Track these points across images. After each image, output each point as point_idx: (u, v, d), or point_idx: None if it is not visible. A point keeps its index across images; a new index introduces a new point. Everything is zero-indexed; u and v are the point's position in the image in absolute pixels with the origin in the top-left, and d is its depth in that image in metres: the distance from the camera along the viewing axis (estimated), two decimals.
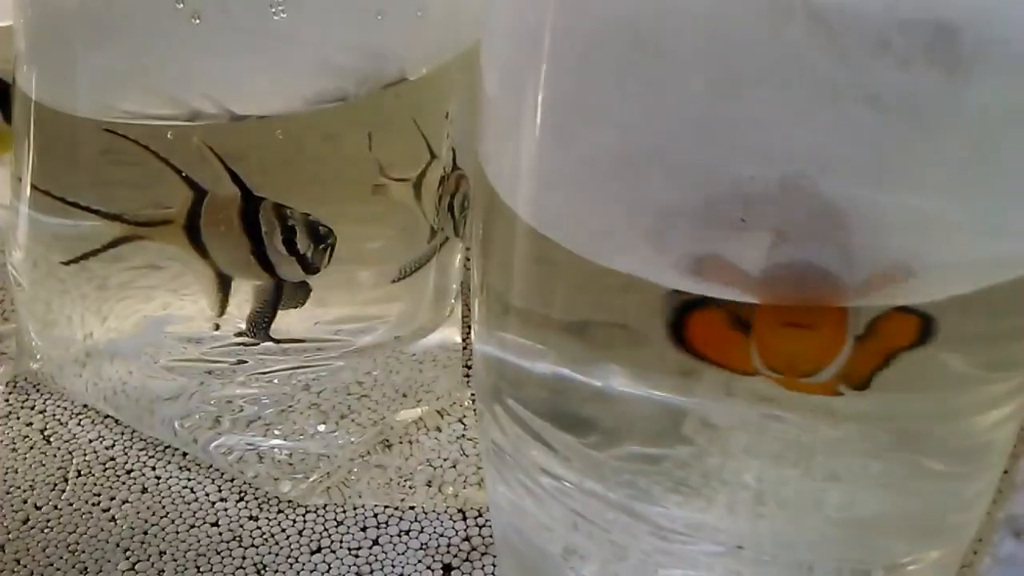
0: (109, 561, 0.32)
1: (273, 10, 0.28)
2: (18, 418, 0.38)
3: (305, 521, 0.34)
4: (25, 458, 0.36)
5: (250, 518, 0.34)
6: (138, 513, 0.34)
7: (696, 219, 0.21)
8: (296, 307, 0.32)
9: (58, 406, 0.38)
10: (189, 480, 0.35)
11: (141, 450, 0.36)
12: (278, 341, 0.33)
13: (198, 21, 0.28)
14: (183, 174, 0.29)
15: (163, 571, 0.32)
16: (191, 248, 0.30)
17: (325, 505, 0.34)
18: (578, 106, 0.22)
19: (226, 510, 0.34)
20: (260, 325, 0.32)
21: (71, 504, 0.34)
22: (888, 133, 0.19)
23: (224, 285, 0.31)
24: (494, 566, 0.32)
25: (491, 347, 0.26)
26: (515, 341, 0.26)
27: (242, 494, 0.35)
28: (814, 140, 0.19)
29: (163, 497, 0.35)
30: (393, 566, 0.32)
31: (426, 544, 0.33)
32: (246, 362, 0.34)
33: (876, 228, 0.20)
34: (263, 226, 0.29)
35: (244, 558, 0.32)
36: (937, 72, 0.18)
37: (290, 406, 0.35)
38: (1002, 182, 0.20)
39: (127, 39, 0.29)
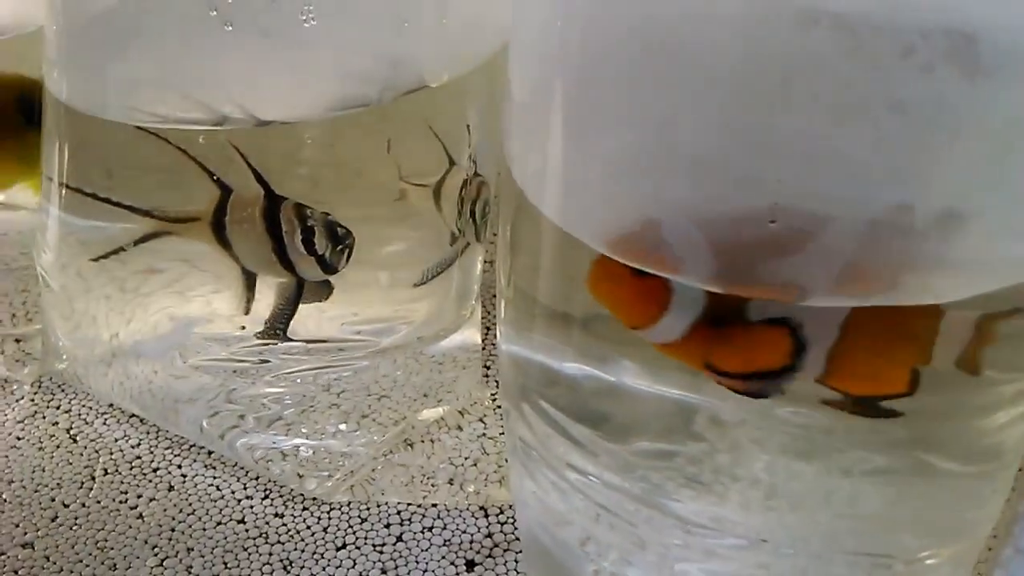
0: (138, 558, 0.33)
1: (303, 18, 0.29)
2: (44, 417, 0.39)
3: (330, 518, 0.34)
4: (52, 457, 0.37)
5: (276, 515, 0.34)
6: (165, 511, 0.35)
7: (723, 220, 0.21)
8: (319, 301, 0.32)
9: (84, 405, 0.39)
10: (215, 478, 0.36)
11: (167, 448, 0.37)
12: (304, 341, 0.34)
13: (230, 28, 0.29)
14: (213, 174, 0.30)
15: (191, 567, 0.33)
16: (217, 244, 0.31)
17: (349, 502, 0.35)
18: (604, 109, 0.23)
19: (252, 507, 0.35)
20: (280, 322, 0.33)
21: (99, 502, 0.35)
22: (912, 137, 0.19)
23: (250, 282, 0.32)
24: (516, 562, 0.32)
25: (518, 346, 0.27)
26: (542, 340, 0.26)
27: (267, 492, 0.35)
28: (837, 143, 0.20)
29: (189, 495, 0.35)
30: (417, 562, 0.33)
31: (449, 540, 0.33)
32: (270, 362, 0.34)
33: (900, 228, 0.20)
34: (284, 225, 0.30)
35: (271, 554, 0.33)
36: (959, 77, 0.19)
37: (312, 406, 0.36)
38: (1021, 184, 0.20)
39: (159, 45, 0.30)
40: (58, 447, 0.37)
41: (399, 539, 0.33)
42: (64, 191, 0.35)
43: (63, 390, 0.40)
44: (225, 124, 0.30)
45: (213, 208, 0.30)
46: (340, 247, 0.30)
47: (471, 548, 0.33)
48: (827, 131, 0.20)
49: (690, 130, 0.21)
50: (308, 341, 0.34)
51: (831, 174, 0.20)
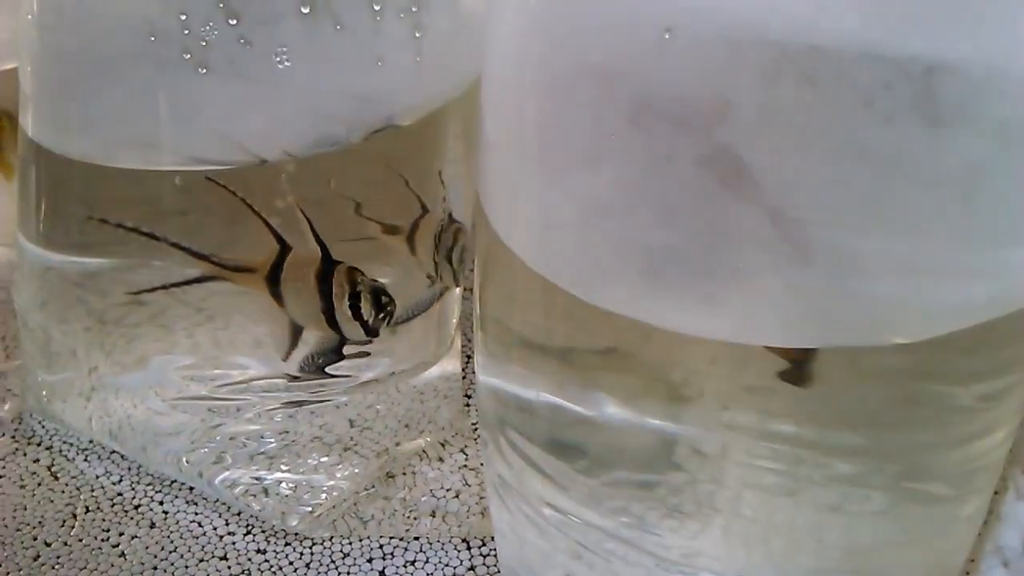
0: None
1: (278, 59, 0.29)
2: (25, 455, 0.38)
3: (312, 553, 0.34)
4: (33, 495, 0.37)
5: (258, 551, 0.34)
6: (147, 548, 0.35)
7: (690, 263, 0.22)
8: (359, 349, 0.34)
9: (64, 442, 0.39)
10: (197, 514, 0.36)
11: (148, 485, 0.37)
12: (286, 377, 0.34)
13: (204, 71, 0.29)
14: (272, 228, 0.31)
15: None
16: (269, 296, 0.32)
17: (331, 537, 0.35)
18: (572, 150, 0.23)
19: (234, 544, 0.35)
20: (315, 367, 0.34)
21: (80, 540, 0.35)
22: (875, 184, 0.20)
23: (296, 334, 0.33)
24: None
25: (493, 379, 0.27)
26: (516, 373, 0.26)
27: (249, 527, 0.35)
28: (804, 191, 0.20)
29: (171, 532, 0.35)
30: None
31: (432, 574, 0.33)
32: (250, 399, 0.35)
33: (866, 273, 0.21)
34: (335, 288, 0.31)
35: None
36: (920, 126, 0.19)
37: (294, 440, 0.36)
38: (985, 227, 0.21)
39: (133, 88, 0.30)
40: (39, 485, 0.37)
41: (382, 573, 0.33)
42: (40, 227, 0.35)
43: (44, 427, 0.40)
44: (203, 165, 0.30)
45: (271, 263, 0.31)
46: (382, 314, 0.32)
47: None
48: (787, 173, 0.20)
49: (656, 176, 0.21)
50: (290, 377, 0.34)
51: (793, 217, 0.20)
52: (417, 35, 0.31)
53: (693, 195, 0.21)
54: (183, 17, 0.28)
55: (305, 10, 0.29)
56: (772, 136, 0.20)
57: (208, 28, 0.28)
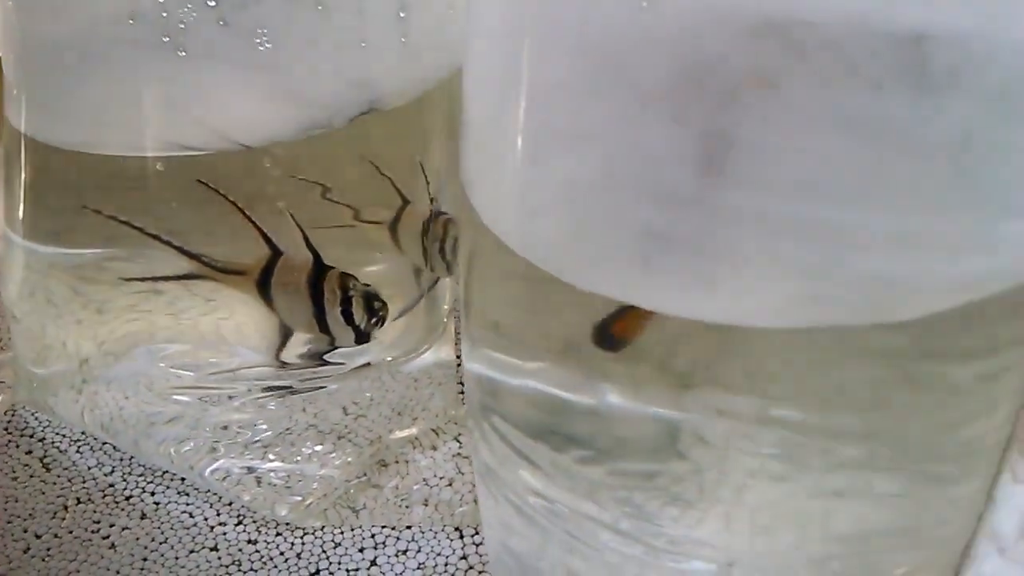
0: None
1: (258, 41, 0.28)
2: (17, 446, 0.38)
3: (303, 543, 0.34)
4: (25, 486, 0.37)
5: (249, 542, 0.34)
6: (138, 539, 0.34)
7: (680, 243, 0.21)
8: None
9: (57, 434, 0.39)
10: (188, 505, 0.35)
11: (140, 476, 0.37)
12: (274, 366, 0.33)
13: (184, 54, 0.28)
14: (264, 233, 0.31)
15: None
16: (259, 299, 0.32)
17: (323, 527, 0.34)
18: (556, 132, 0.22)
19: (225, 534, 0.34)
20: (312, 359, 0.34)
21: (71, 532, 0.35)
22: (861, 155, 0.19)
23: (285, 336, 0.33)
24: None
25: (478, 366, 0.27)
26: (501, 360, 0.26)
27: (241, 518, 0.35)
28: (791, 163, 0.19)
29: (162, 523, 0.35)
30: None
31: (423, 563, 0.33)
32: (240, 387, 0.34)
33: (857, 249, 0.20)
34: (326, 294, 0.31)
35: None
36: (910, 94, 0.18)
37: (288, 428, 0.35)
38: (979, 199, 0.20)
39: (113, 73, 0.29)
40: (31, 476, 0.37)
41: (373, 563, 0.33)
42: (26, 218, 0.34)
43: (36, 418, 0.39)
44: (185, 151, 0.30)
45: (261, 267, 0.31)
46: (374, 319, 0.31)
47: (446, 571, 0.33)
48: (776, 147, 0.19)
49: (640, 152, 0.21)
50: (279, 366, 0.34)
51: (783, 192, 0.20)
52: (402, 15, 0.30)
53: (679, 173, 0.20)
54: (161, 0, 0.28)
55: None
56: (758, 108, 0.19)
57: (186, 10, 0.28)
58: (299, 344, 0.33)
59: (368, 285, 0.31)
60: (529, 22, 0.22)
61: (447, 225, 0.34)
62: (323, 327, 0.31)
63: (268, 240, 0.31)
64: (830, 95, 0.18)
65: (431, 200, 0.34)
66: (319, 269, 0.31)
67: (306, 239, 0.30)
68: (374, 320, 0.31)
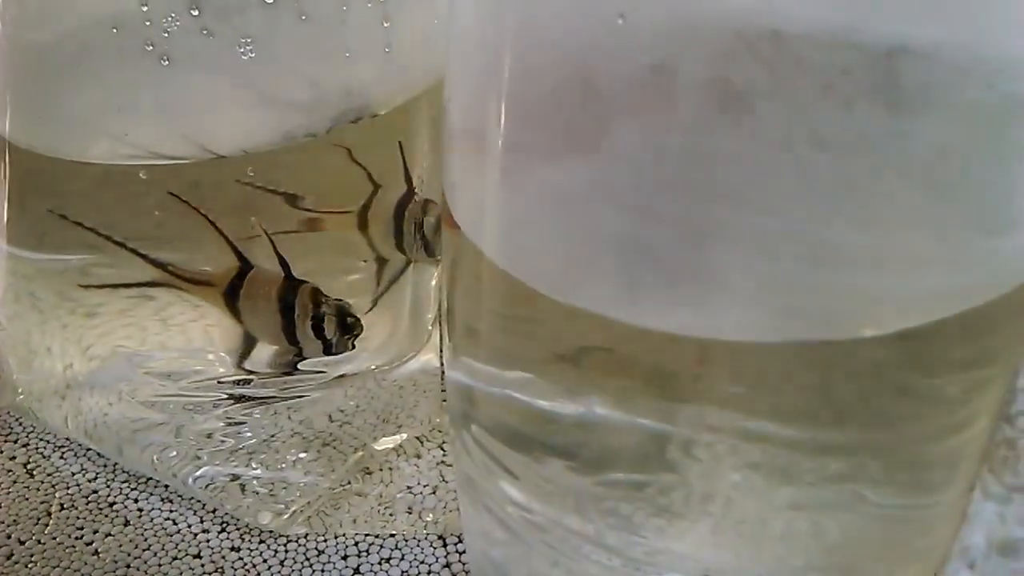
0: None
1: (241, 50, 0.28)
2: (1, 452, 0.38)
3: (287, 551, 0.34)
4: (8, 492, 0.37)
5: (232, 549, 0.34)
6: (121, 546, 0.34)
7: (660, 258, 0.21)
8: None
9: (41, 439, 0.39)
10: (171, 512, 0.35)
11: (124, 482, 0.37)
12: (258, 373, 0.33)
13: (167, 62, 0.28)
14: (233, 246, 0.31)
15: None
16: (225, 310, 0.32)
17: (306, 534, 0.34)
18: (537, 145, 0.22)
19: (208, 541, 0.34)
20: (278, 369, 0.34)
21: (55, 538, 0.35)
22: (837, 172, 0.19)
23: (249, 346, 0.33)
24: None
25: (460, 375, 0.27)
26: (483, 370, 0.26)
27: (224, 525, 0.35)
28: (767, 179, 0.19)
29: (145, 529, 0.35)
30: None
31: (407, 572, 0.33)
32: (228, 395, 0.34)
33: (834, 265, 0.20)
34: (297, 309, 0.31)
35: None
36: (882, 111, 0.18)
37: (272, 436, 0.35)
38: (954, 215, 0.20)
39: (96, 81, 0.29)
40: (15, 483, 0.37)
41: (356, 571, 0.33)
42: (11, 224, 0.34)
43: (20, 424, 0.39)
44: (168, 159, 0.30)
45: (229, 279, 0.31)
46: (347, 335, 0.31)
47: None
48: (752, 167, 0.19)
49: (615, 168, 0.21)
50: (263, 374, 0.34)
51: (762, 209, 0.20)
52: (386, 25, 0.30)
53: (658, 188, 0.20)
54: (144, 8, 0.28)
55: (269, 0, 0.28)
56: (730, 123, 0.19)
57: (170, 19, 0.28)
58: (264, 354, 0.33)
59: (340, 300, 0.31)
60: (508, 34, 0.22)
61: (426, 205, 0.34)
62: (292, 340, 0.31)
63: (238, 253, 0.31)
64: (803, 111, 0.19)
65: (409, 182, 0.33)
66: (290, 283, 0.31)
67: (278, 254, 0.31)
68: (347, 336, 0.31)
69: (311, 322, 0.31)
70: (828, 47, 0.18)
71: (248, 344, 0.32)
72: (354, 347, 0.32)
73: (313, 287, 0.31)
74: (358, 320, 0.31)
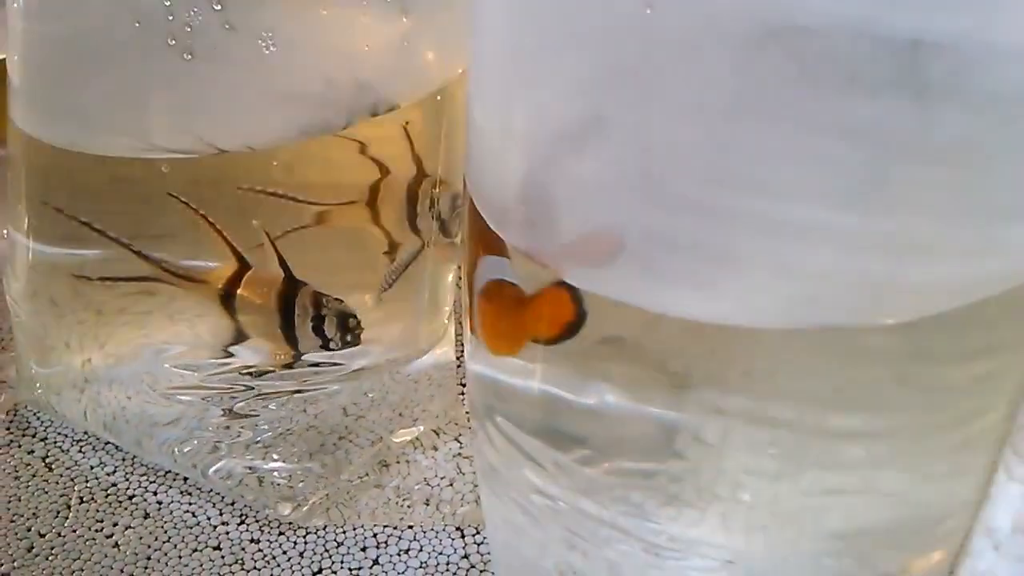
0: None
1: (263, 44, 0.29)
2: (19, 446, 0.38)
3: (306, 543, 0.34)
4: (28, 486, 0.37)
5: (252, 541, 0.34)
6: (141, 539, 0.34)
7: (681, 244, 0.21)
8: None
9: (59, 433, 0.39)
10: (191, 504, 0.36)
11: (143, 475, 0.37)
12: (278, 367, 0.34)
13: (189, 57, 0.28)
14: (233, 247, 0.31)
15: None
16: (221, 309, 0.32)
17: (325, 526, 0.35)
18: (559, 135, 0.23)
19: (228, 533, 0.35)
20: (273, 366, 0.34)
21: (74, 531, 0.35)
22: (861, 161, 0.19)
23: (239, 340, 0.33)
24: None
25: (482, 366, 0.27)
26: (506, 361, 0.26)
27: (243, 517, 0.35)
28: (791, 167, 0.20)
29: (165, 522, 0.35)
30: None
31: (425, 563, 0.33)
32: (246, 388, 0.34)
33: (855, 252, 0.20)
34: (297, 310, 0.31)
35: None
36: (906, 101, 0.19)
37: (289, 429, 0.36)
38: (975, 204, 0.20)
39: (120, 75, 0.29)
40: (34, 476, 0.37)
41: (375, 562, 0.33)
42: (30, 219, 0.34)
43: (39, 418, 0.40)
44: (190, 153, 0.30)
45: (227, 278, 0.31)
46: (349, 336, 0.32)
47: (447, 570, 0.33)
48: (776, 152, 0.20)
49: (644, 158, 0.21)
50: (281, 366, 0.34)
51: (783, 196, 0.20)
52: (405, 20, 0.31)
53: (679, 176, 0.21)
54: (167, 3, 0.28)
55: None
56: (756, 114, 0.19)
57: (192, 13, 0.28)
58: (256, 349, 0.33)
59: (341, 301, 0.31)
60: (532, 25, 0.22)
61: (438, 184, 0.34)
62: (290, 340, 0.32)
63: (237, 254, 0.31)
64: (829, 101, 0.19)
65: (418, 164, 0.33)
66: (290, 284, 0.31)
67: (279, 255, 0.31)
68: (349, 338, 0.32)
69: (311, 324, 0.31)
70: (852, 38, 0.18)
71: (239, 339, 0.33)
72: (359, 343, 0.32)
73: (315, 290, 0.31)
74: (359, 322, 0.32)
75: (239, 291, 0.31)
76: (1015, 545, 0.22)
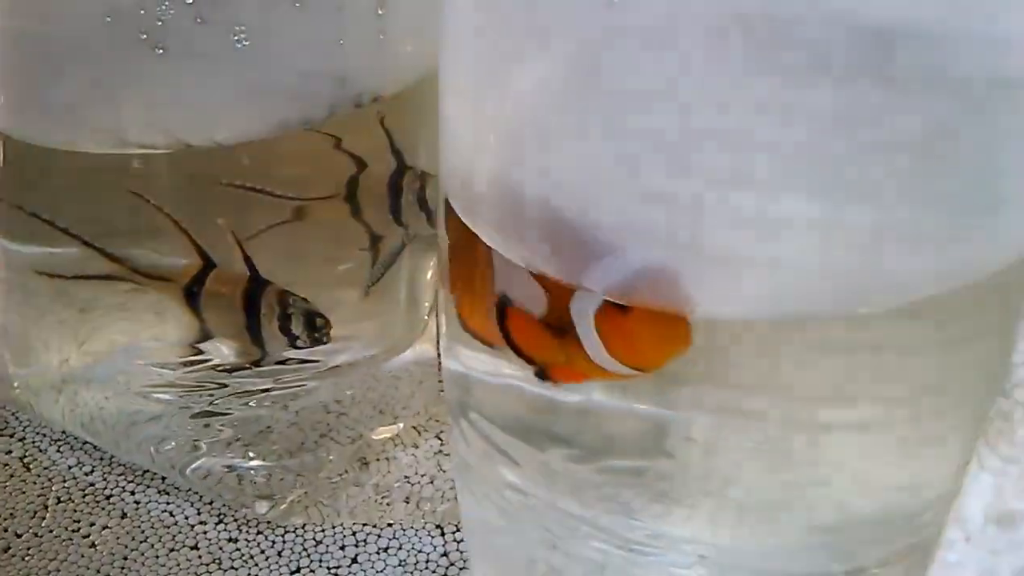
0: None
1: (235, 39, 0.28)
2: None
3: (284, 542, 0.34)
4: (5, 486, 0.36)
5: (229, 540, 0.34)
6: (118, 539, 0.34)
7: (658, 238, 0.21)
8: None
9: (37, 433, 0.39)
10: (168, 504, 0.35)
11: (120, 475, 0.37)
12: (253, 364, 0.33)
13: (161, 51, 0.28)
14: (197, 244, 0.30)
15: None
16: (187, 308, 0.31)
17: (304, 525, 0.34)
18: (533, 129, 0.22)
19: (205, 533, 0.34)
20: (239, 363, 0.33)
21: (51, 531, 0.35)
22: (830, 150, 0.19)
23: (204, 338, 0.32)
24: None
25: (456, 363, 0.27)
26: (480, 358, 0.26)
27: (221, 516, 0.35)
28: (760, 159, 0.19)
29: (143, 522, 0.35)
30: None
31: (405, 561, 0.33)
32: (223, 385, 0.34)
33: (827, 242, 0.20)
34: (263, 308, 0.31)
35: None
36: (875, 88, 0.19)
37: (269, 427, 0.35)
38: (947, 193, 0.20)
39: (90, 70, 0.29)
40: (11, 476, 0.37)
41: (354, 561, 0.33)
42: (4, 217, 0.34)
43: (17, 418, 0.39)
44: (163, 148, 0.30)
45: (191, 276, 0.31)
46: (316, 335, 0.31)
47: (427, 568, 0.33)
48: (747, 145, 0.19)
49: (613, 149, 0.21)
50: (261, 364, 0.34)
51: (755, 187, 0.20)
52: (380, 12, 0.30)
53: (657, 167, 0.20)
54: None
55: None
56: (725, 104, 0.19)
57: (164, 7, 0.28)
58: (222, 349, 0.33)
59: (307, 301, 0.31)
60: (501, 20, 0.22)
61: (422, 177, 0.33)
62: (256, 339, 0.31)
63: (202, 251, 0.31)
64: (799, 90, 0.19)
65: (398, 156, 0.33)
66: (256, 284, 0.31)
67: (244, 253, 0.30)
68: (316, 336, 0.31)
69: (277, 323, 0.31)
70: (824, 26, 0.18)
71: (203, 338, 0.32)
72: (328, 341, 0.32)
73: (281, 289, 0.31)
74: (327, 322, 0.31)
75: (204, 290, 0.31)
76: (986, 536, 0.22)
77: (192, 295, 0.31)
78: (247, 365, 0.33)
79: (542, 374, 0.24)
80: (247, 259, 0.30)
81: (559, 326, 0.23)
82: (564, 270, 0.23)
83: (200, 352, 0.33)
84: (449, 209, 0.25)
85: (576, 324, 0.22)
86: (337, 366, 0.35)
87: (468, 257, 0.25)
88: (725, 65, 0.19)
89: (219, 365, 0.33)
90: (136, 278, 0.31)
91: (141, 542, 0.34)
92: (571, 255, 0.23)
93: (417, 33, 0.32)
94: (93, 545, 0.34)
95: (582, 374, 0.23)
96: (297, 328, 0.31)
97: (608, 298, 0.22)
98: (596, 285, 0.22)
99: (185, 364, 0.34)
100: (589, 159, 0.21)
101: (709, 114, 0.19)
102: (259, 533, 0.34)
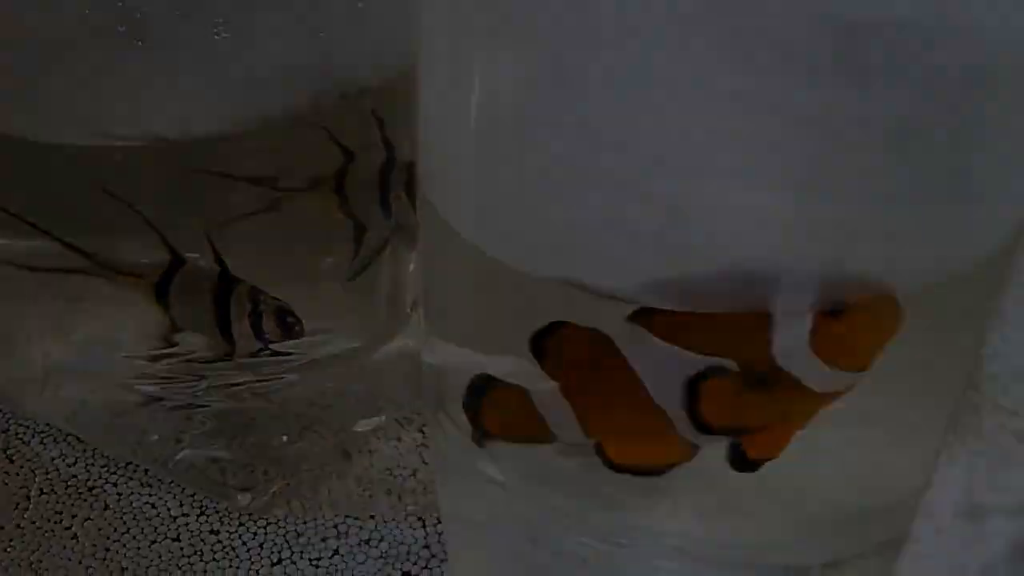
0: None
1: (215, 31, 0.28)
2: None
3: (266, 533, 0.34)
4: None
5: (211, 532, 0.34)
6: (100, 530, 0.34)
7: (629, 232, 0.21)
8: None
9: (20, 425, 0.39)
10: (151, 496, 0.35)
11: (103, 467, 0.37)
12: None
13: (141, 43, 0.28)
14: (166, 240, 0.30)
15: None
16: (156, 304, 0.31)
17: (286, 516, 0.34)
18: (508, 123, 0.22)
19: (187, 525, 0.34)
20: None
21: (34, 523, 0.35)
22: (798, 144, 0.19)
23: (174, 333, 0.32)
24: None
25: (434, 356, 0.27)
26: (457, 351, 0.26)
27: (203, 508, 0.35)
28: (729, 153, 0.19)
29: (125, 513, 0.35)
30: (353, 575, 0.32)
31: (386, 552, 0.33)
32: (203, 377, 0.34)
33: (800, 239, 0.20)
34: (233, 306, 0.31)
35: (205, 572, 0.33)
36: (843, 83, 0.19)
37: (251, 419, 0.35)
38: (918, 187, 0.20)
39: (68, 62, 0.29)
40: None
41: (336, 552, 0.33)
42: None
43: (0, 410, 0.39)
44: (139, 141, 0.30)
45: (160, 273, 0.31)
46: (288, 333, 0.31)
47: (408, 559, 0.33)
48: (717, 139, 0.20)
49: (587, 146, 0.21)
50: (241, 356, 0.34)
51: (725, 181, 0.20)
52: (360, 5, 0.30)
53: (633, 163, 0.20)
54: None
55: None
56: (695, 97, 0.19)
57: None
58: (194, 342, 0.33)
59: (278, 299, 0.31)
60: (479, 13, 0.22)
61: (411, 168, 0.33)
62: (227, 337, 0.31)
63: (170, 248, 0.30)
64: (766, 84, 0.19)
65: (388, 147, 0.33)
66: (226, 280, 0.30)
67: (214, 250, 0.30)
68: (288, 334, 0.31)
69: (249, 321, 0.30)
70: (787, 18, 0.18)
71: (173, 334, 0.32)
72: (301, 337, 0.32)
73: (252, 287, 0.31)
74: (299, 320, 0.31)
75: (173, 285, 0.31)
76: (956, 529, 0.22)
77: (162, 291, 0.31)
78: (221, 358, 0.33)
79: (740, 455, 0.22)
80: (217, 256, 0.30)
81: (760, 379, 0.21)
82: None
83: (176, 344, 0.33)
84: (424, 201, 0.25)
85: (783, 360, 0.21)
86: (319, 359, 0.35)
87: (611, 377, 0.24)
88: (691, 58, 0.19)
89: (198, 357, 0.33)
90: (106, 273, 0.31)
91: (123, 533, 0.34)
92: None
93: (401, 22, 0.32)
94: (75, 537, 0.34)
95: (787, 435, 0.21)
96: (268, 326, 0.31)
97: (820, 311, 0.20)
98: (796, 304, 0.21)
99: (163, 356, 0.34)
100: (557, 153, 0.21)
101: (675, 107, 0.19)
102: (241, 525, 0.34)
